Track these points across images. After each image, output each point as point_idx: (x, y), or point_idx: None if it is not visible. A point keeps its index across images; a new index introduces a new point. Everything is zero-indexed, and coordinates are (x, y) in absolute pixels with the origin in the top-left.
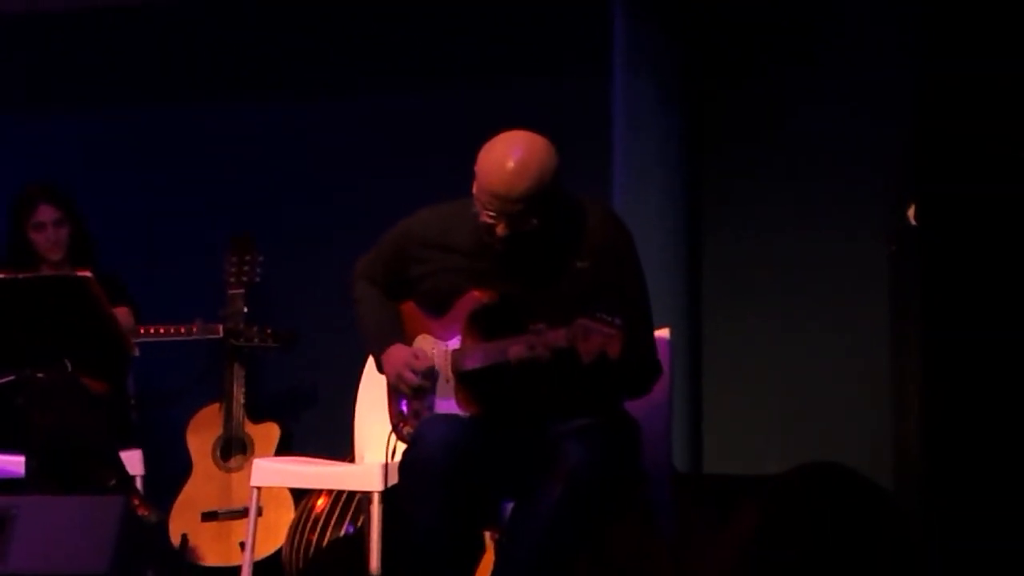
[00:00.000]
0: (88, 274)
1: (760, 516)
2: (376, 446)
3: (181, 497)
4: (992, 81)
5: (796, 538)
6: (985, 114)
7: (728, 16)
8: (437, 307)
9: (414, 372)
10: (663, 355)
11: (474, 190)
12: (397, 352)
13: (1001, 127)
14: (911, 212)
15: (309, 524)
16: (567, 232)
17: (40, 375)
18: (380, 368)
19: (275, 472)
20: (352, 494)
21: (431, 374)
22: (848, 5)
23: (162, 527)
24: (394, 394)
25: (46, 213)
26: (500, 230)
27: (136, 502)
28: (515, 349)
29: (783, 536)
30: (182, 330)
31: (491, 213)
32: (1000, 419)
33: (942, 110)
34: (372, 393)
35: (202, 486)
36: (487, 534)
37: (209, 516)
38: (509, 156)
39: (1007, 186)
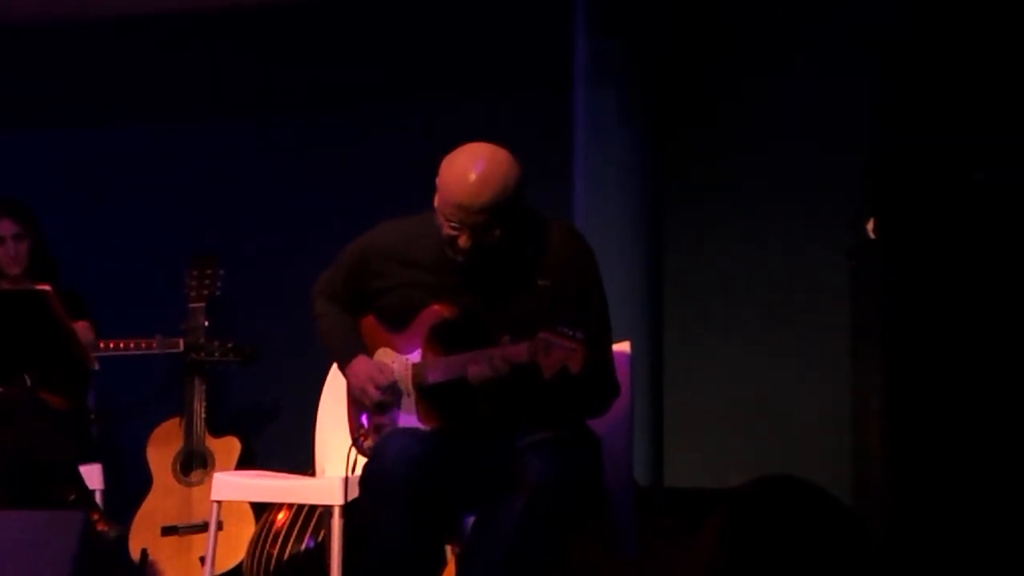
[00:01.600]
0: (48, 288)
1: (719, 532)
2: (337, 460)
3: (141, 512)
4: (950, 97)
5: (756, 552)
6: (942, 130)
7: (690, 32)
8: (398, 321)
9: (376, 387)
10: (624, 369)
11: (436, 203)
12: (360, 365)
13: (957, 143)
14: (870, 226)
15: (270, 538)
16: (529, 248)
17: None
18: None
19: (236, 486)
20: (313, 508)
21: (393, 389)
22: (809, 22)
23: (122, 542)
24: (355, 407)
25: (6, 227)
26: (463, 242)
27: (96, 517)
28: (474, 368)
29: (743, 551)
30: (143, 344)
31: (454, 224)
32: (961, 433)
33: (900, 124)
34: (333, 407)
35: (162, 500)
36: (449, 548)
37: (169, 531)
38: (472, 167)
39: (964, 199)
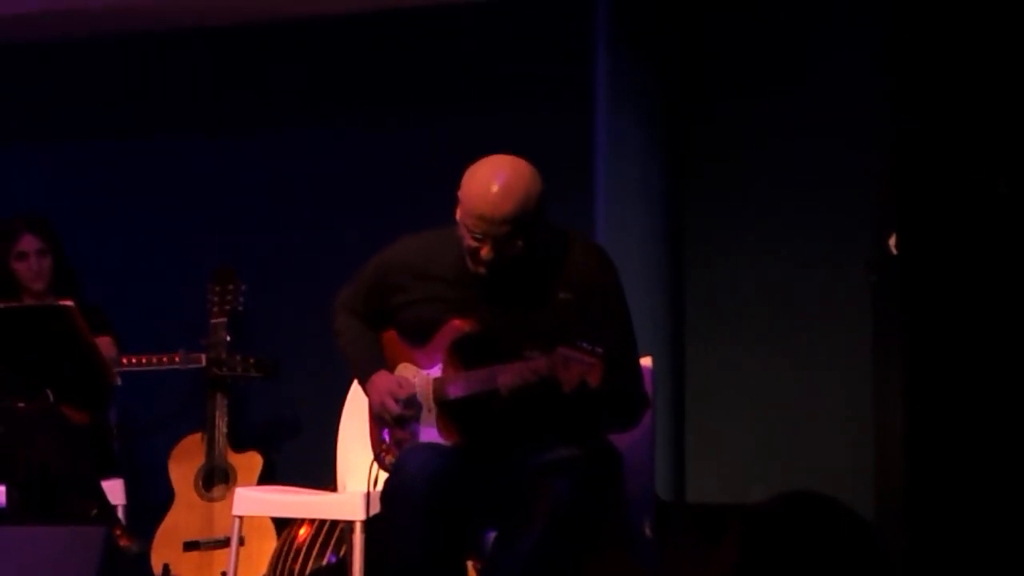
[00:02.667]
0: (70, 304)
1: (737, 549)
2: (358, 475)
3: (163, 527)
4: (971, 114)
5: (774, 570)
6: (965, 144)
7: (710, 44)
8: (419, 336)
9: (396, 401)
10: (645, 383)
11: (458, 215)
12: (380, 380)
13: (980, 157)
14: (892, 242)
15: (291, 553)
16: (551, 263)
17: (21, 405)
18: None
19: (257, 501)
20: (335, 523)
21: (413, 402)
22: (830, 32)
23: (144, 557)
24: (377, 423)
25: (29, 243)
26: (485, 253)
27: (118, 532)
28: (503, 378)
29: (761, 569)
30: (164, 360)
31: (476, 236)
32: (983, 448)
33: (921, 142)
34: (354, 422)
35: (184, 516)
36: (469, 563)
37: (191, 546)
38: (494, 179)
39: (987, 217)
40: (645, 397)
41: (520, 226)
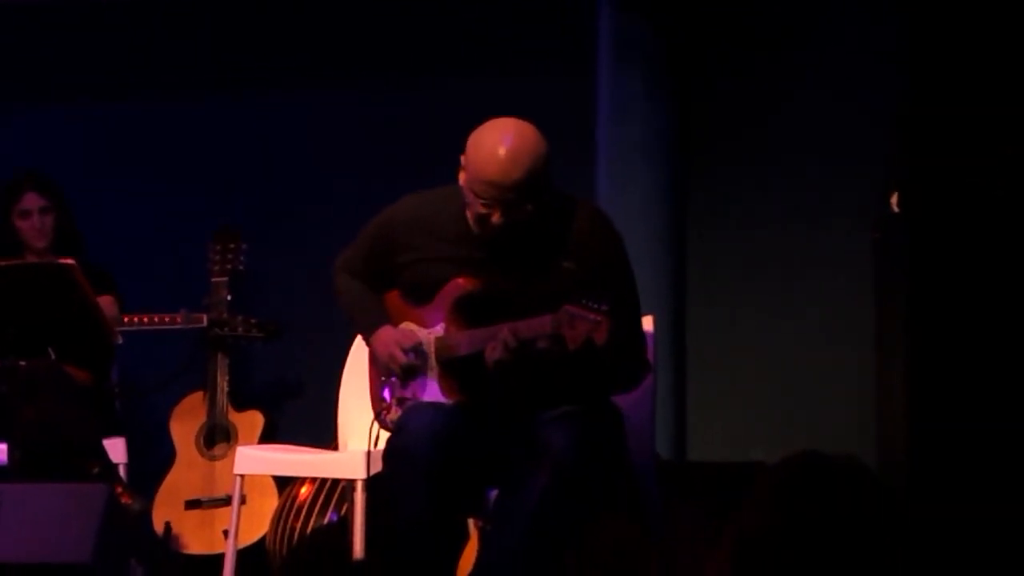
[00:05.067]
0: (71, 262)
1: (749, 516)
2: (359, 434)
3: (164, 485)
4: (976, 71)
5: (786, 534)
6: (968, 102)
7: (714, 8)
8: (421, 295)
9: (403, 351)
10: (647, 343)
11: (463, 180)
12: (386, 332)
13: (984, 117)
14: (894, 199)
15: (293, 512)
16: (556, 228)
17: (23, 364)
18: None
19: (259, 460)
20: (336, 482)
21: (420, 351)
22: None
23: (145, 515)
24: (382, 376)
25: (32, 200)
26: (496, 219)
27: (119, 490)
28: (489, 353)
29: (775, 534)
30: (167, 319)
31: (485, 202)
32: (986, 407)
33: (924, 98)
34: (355, 381)
35: (185, 474)
36: (471, 522)
37: (193, 504)
38: (501, 144)
39: (990, 173)
40: (647, 362)
41: (530, 191)
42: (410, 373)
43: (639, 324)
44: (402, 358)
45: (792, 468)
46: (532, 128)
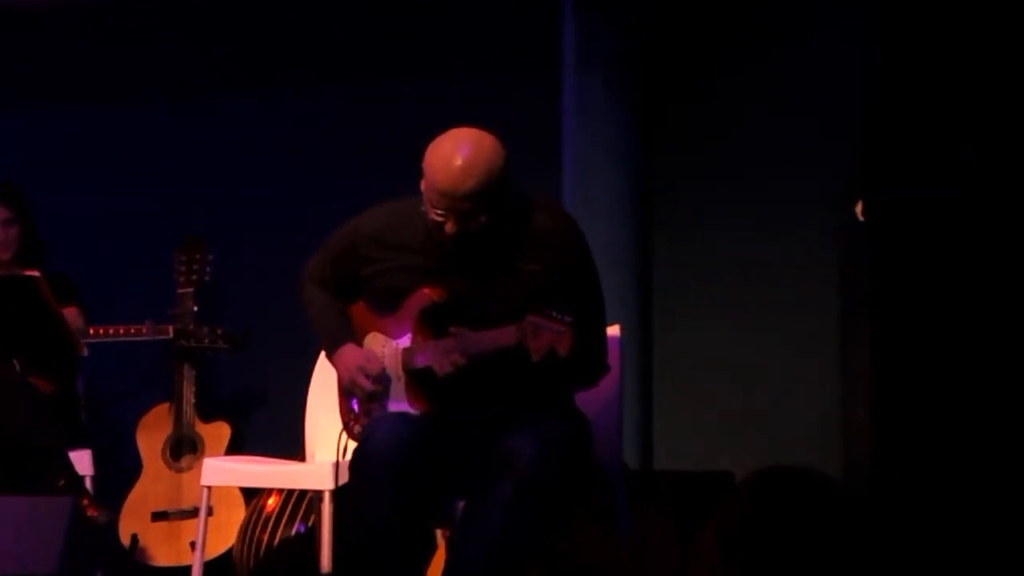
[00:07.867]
0: (36, 274)
1: (716, 536)
2: (327, 445)
3: (131, 497)
4: (940, 80)
5: (755, 548)
6: (932, 111)
7: (680, 14)
8: (388, 304)
9: (367, 377)
10: (613, 352)
11: (422, 187)
12: (349, 353)
13: (948, 125)
14: (858, 208)
15: (260, 523)
16: (518, 232)
17: None
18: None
19: (226, 471)
20: (303, 493)
21: (383, 378)
22: (800, 6)
23: (112, 527)
24: (345, 395)
25: None
26: (449, 228)
27: (85, 502)
28: (439, 368)
29: (743, 548)
30: (132, 331)
31: (439, 211)
32: (948, 413)
33: (888, 107)
34: (323, 392)
35: (152, 486)
36: (439, 532)
37: (159, 516)
38: (456, 154)
39: (952, 182)
40: (606, 364)
41: (483, 202)
42: (373, 398)
43: (602, 324)
44: (367, 386)
45: (763, 479)
46: (491, 139)
